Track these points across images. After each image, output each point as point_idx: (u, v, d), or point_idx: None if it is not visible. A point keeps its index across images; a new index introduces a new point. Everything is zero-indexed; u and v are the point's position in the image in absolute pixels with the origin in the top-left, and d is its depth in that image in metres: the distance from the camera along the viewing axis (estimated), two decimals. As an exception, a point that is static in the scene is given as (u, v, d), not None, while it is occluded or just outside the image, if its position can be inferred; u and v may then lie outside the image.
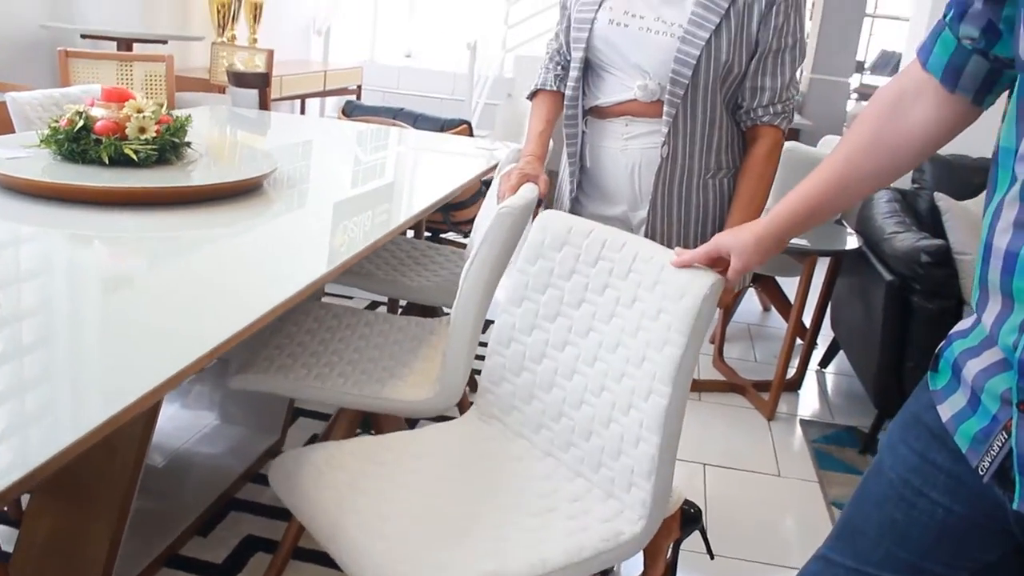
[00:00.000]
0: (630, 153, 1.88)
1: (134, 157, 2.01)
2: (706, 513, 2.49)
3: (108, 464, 1.50)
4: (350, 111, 4.07)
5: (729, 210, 1.89)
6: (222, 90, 4.51)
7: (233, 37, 5.18)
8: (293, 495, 1.46)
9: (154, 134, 2.06)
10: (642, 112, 1.84)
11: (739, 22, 1.77)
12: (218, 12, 5.06)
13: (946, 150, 3.77)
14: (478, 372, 1.87)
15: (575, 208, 1.99)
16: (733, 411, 3.23)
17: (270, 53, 4.29)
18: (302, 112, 6.34)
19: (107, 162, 2.00)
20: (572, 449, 1.59)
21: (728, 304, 1.84)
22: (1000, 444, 0.88)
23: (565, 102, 1.93)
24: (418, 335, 2.15)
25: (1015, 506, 0.87)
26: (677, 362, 1.38)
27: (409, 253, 2.84)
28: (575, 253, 1.61)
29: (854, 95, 8.78)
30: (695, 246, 1.88)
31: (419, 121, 3.89)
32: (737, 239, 1.30)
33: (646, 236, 1.88)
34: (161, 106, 2.15)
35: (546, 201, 1.93)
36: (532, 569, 1.31)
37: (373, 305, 3.79)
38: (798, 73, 1.89)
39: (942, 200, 3.09)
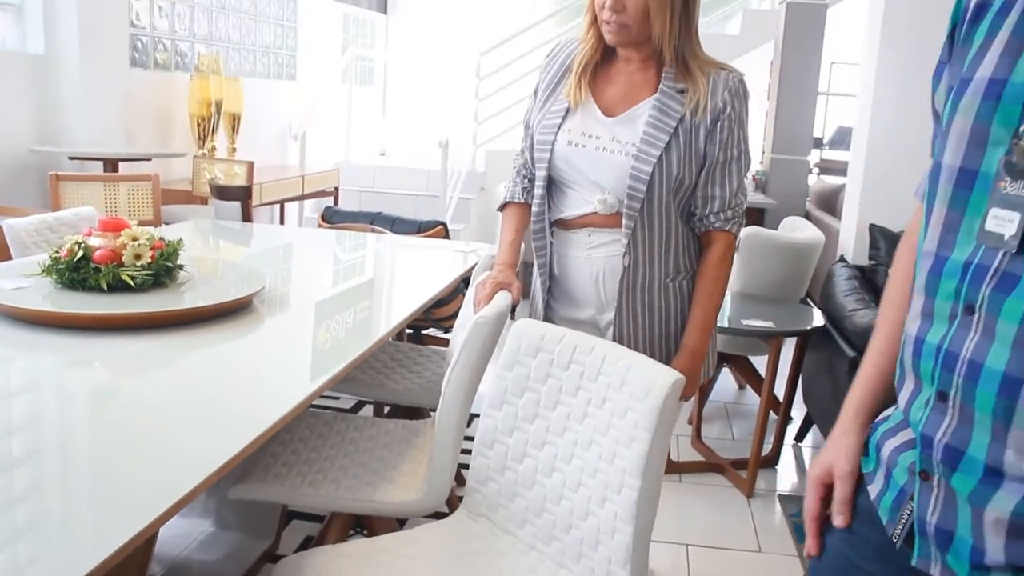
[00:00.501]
0: (594, 261, 2.02)
1: (131, 283, 2.14)
2: (690, 594, 2.57)
3: None
4: (329, 217, 4.22)
5: (690, 309, 2.03)
6: (204, 201, 4.68)
7: (213, 148, 5.37)
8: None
9: (149, 260, 2.19)
10: (603, 223, 1.99)
11: (687, 139, 1.94)
12: (198, 126, 5.25)
13: (898, 226, 3.96)
14: (465, 466, 1.98)
15: (547, 313, 2.13)
16: (713, 490, 3.33)
17: (250, 165, 4.46)
18: (281, 216, 6.51)
19: (106, 289, 2.13)
20: (554, 542, 1.69)
21: (689, 396, 1.95)
22: (908, 513, 1.00)
23: (532, 216, 2.08)
24: (405, 437, 2.26)
25: (913, 562, 0.99)
26: (645, 457, 1.51)
27: (392, 356, 2.96)
28: (549, 358, 1.74)
29: (815, 171, 9.08)
30: (661, 345, 2.02)
31: (396, 224, 4.04)
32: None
33: (614, 338, 2.01)
34: (153, 235, 2.29)
35: (519, 304, 2.07)
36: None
37: (359, 405, 3.89)
38: (745, 180, 2.05)
39: (895, 278, 3.25)
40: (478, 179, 7.00)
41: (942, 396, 0.96)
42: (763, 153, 7.25)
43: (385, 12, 8.86)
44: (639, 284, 1.99)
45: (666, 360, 1.99)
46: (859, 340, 3.01)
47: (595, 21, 1.99)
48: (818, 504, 1.17)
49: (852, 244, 4.30)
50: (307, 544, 2.72)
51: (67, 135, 4.50)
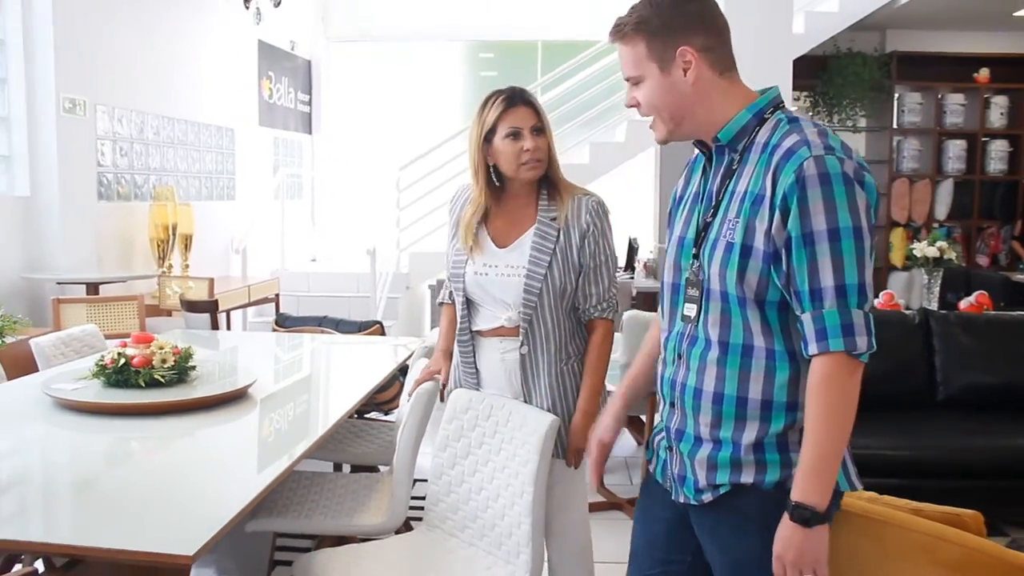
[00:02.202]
0: (507, 362, 2.58)
1: (162, 380, 2.90)
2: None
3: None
4: (282, 322, 4.99)
5: (581, 383, 2.60)
6: (169, 313, 5.41)
7: (171, 267, 6.12)
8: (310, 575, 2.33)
9: (173, 363, 2.96)
10: (510, 333, 2.56)
11: (564, 256, 2.51)
12: (158, 247, 6.01)
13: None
14: (415, 497, 2.76)
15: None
16: (615, 523, 4.13)
17: (211, 281, 5.22)
18: (228, 322, 7.21)
19: (143, 385, 2.88)
20: (484, 538, 2.49)
21: (584, 447, 2.59)
22: (666, 470, 1.85)
23: (458, 325, 2.64)
24: (368, 484, 3.03)
25: (672, 498, 1.82)
26: (535, 473, 2.33)
27: (349, 429, 3.73)
28: (475, 414, 2.56)
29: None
30: (564, 419, 2.56)
31: (341, 325, 4.83)
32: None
33: None
34: (171, 345, 3.06)
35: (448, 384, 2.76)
36: (465, 602, 2.20)
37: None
38: (615, 277, 2.62)
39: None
40: (403, 279, 7.85)
41: (672, 404, 1.83)
42: (654, 243, 8.24)
43: (310, 133, 9.76)
44: (539, 368, 2.55)
45: (566, 424, 2.54)
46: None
47: (487, 181, 2.55)
48: (600, 456, 2.04)
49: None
50: (290, 583, 3.42)
51: (51, 263, 5.22)
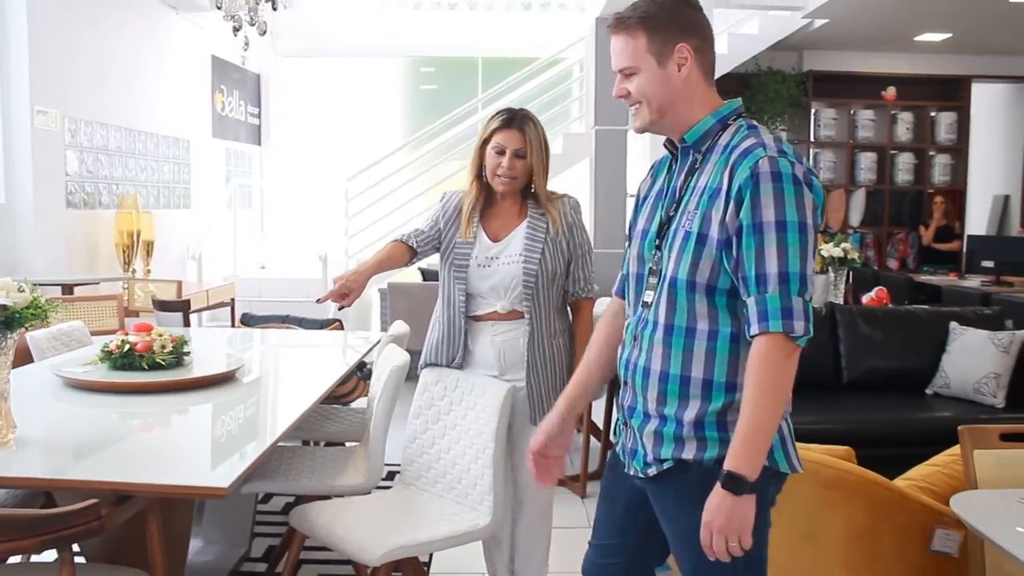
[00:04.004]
0: (496, 343, 2.94)
1: (162, 363, 3.28)
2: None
3: (172, 531, 2.73)
4: (247, 321, 5.36)
5: (568, 356, 2.98)
6: (138, 314, 5.74)
7: (134, 271, 6.44)
8: (304, 522, 2.74)
9: (171, 348, 3.34)
10: (502, 317, 2.93)
11: (553, 245, 2.90)
12: (123, 252, 6.34)
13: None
14: (386, 464, 3.18)
15: (464, 370, 3.01)
16: (559, 497, 4.58)
17: (179, 284, 5.56)
18: (187, 324, 7.53)
19: (146, 368, 3.25)
20: (453, 490, 2.92)
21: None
22: (619, 437, 2.09)
23: (453, 312, 2.95)
24: (344, 454, 3.44)
25: (625, 470, 2.03)
26: (495, 431, 2.77)
27: (320, 413, 4.13)
28: (444, 387, 2.99)
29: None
30: (560, 384, 2.81)
31: (304, 323, 5.22)
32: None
33: (528, 383, 2.91)
34: (167, 333, 3.44)
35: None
36: (433, 537, 2.64)
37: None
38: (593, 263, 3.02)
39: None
40: (353, 284, 8.22)
41: (626, 383, 1.97)
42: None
43: (259, 144, 10.10)
44: (538, 343, 2.92)
45: (556, 389, 2.82)
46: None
47: (478, 176, 2.93)
48: (538, 448, 2.13)
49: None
50: (271, 551, 3.81)
51: (25, 266, 5.52)
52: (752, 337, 1.76)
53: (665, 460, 1.88)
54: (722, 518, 1.72)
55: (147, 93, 7.36)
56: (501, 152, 2.87)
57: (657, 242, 1.93)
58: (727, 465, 1.73)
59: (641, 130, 1.96)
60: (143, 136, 7.30)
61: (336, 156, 10.02)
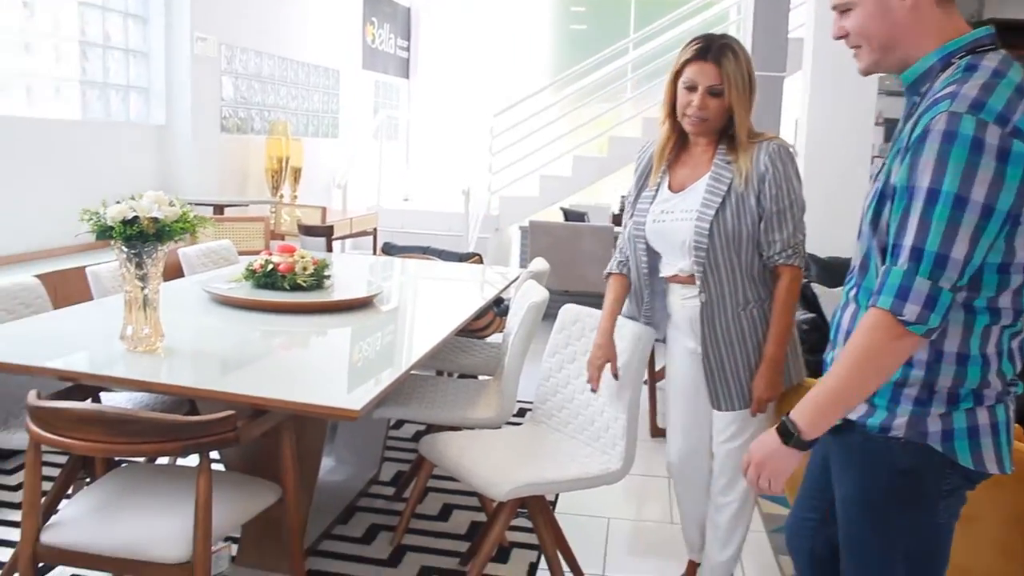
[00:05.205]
0: (687, 308, 2.63)
1: (303, 284, 3.31)
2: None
3: (304, 448, 2.75)
4: (388, 250, 5.40)
5: (767, 330, 2.55)
6: (283, 237, 5.88)
7: (282, 196, 6.59)
8: (433, 451, 2.73)
9: (312, 271, 3.37)
10: (687, 281, 2.58)
11: (738, 199, 2.46)
12: (272, 178, 6.48)
13: (825, 253, 5.15)
14: (521, 401, 3.13)
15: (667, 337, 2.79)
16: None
17: (324, 210, 5.65)
18: (329, 250, 7.72)
19: (288, 288, 3.30)
20: (584, 432, 2.85)
21: (770, 398, 2.56)
22: None
23: (639, 267, 2.66)
24: (477, 387, 3.42)
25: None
26: (633, 374, 2.67)
27: (454, 344, 4.13)
28: (581, 326, 2.91)
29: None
30: (743, 365, 2.55)
31: (443, 255, 5.23)
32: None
33: (704, 361, 2.59)
34: (310, 256, 3.47)
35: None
36: (562, 477, 2.59)
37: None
38: (802, 223, 2.51)
39: (817, 288, 4.45)
40: (493, 221, 8.23)
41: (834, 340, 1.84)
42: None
43: (407, 77, 10.15)
44: (716, 315, 2.54)
45: (750, 373, 2.53)
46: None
47: (670, 114, 2.55)
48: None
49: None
50: (399, 476, 3.85)
51: (181, 186, 5.72)
52: (868, 307, 1.59)
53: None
54: (762, 455, 1.70)
55: (300, 23, 7.47)
56: (692, 88, 2.47)
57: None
58: (792, 413, 1.67)
59: (865, 72, 1.73)
60: (295, 65, 7.42)
61: (482, 92, 9.99)
